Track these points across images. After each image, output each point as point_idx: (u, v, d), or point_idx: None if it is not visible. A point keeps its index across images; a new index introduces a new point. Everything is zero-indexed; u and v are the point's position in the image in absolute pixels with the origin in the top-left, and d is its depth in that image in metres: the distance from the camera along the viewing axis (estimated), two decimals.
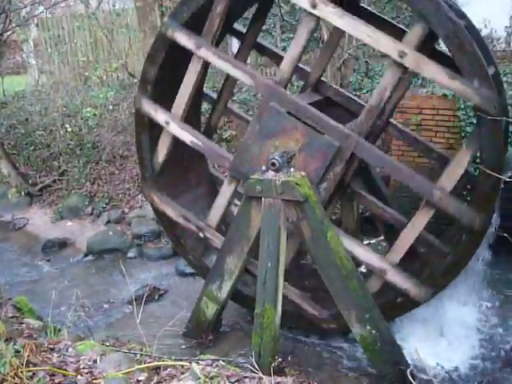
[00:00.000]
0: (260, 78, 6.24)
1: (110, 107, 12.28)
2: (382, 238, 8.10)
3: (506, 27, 10.76)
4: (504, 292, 7.36)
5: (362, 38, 5.59)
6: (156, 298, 8.15)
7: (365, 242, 8.25)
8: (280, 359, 5.99)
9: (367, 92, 10.36)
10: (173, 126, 6.58)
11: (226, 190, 6.63)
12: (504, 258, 7.21)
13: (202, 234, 6.82)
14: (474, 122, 7.53)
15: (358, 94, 10.31)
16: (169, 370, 4.48)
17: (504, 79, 8.54)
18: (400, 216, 6.58)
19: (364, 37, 5.52)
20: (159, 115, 6.66)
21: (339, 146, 5.71)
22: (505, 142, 6.28)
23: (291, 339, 6.88)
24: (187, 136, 6.56)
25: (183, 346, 6.81)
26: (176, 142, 6.76)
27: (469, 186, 6.77)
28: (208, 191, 8.09)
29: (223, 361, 4.71)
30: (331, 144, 5.74)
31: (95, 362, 4.36)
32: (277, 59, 7.44)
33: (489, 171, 4.77)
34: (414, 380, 4.02)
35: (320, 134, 5.80)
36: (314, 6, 5.59)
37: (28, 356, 4.08)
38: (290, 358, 6.39)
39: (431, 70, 5.28)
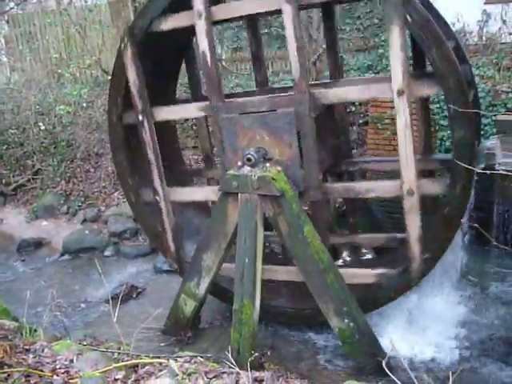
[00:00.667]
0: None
1: (84, 104, 12.14)
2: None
3: (478, 21, 10.87)
4: (479, 282, 7.46)
5: None
6: (134, 296, 8.11)
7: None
8: (259, 354, 6.04)
9: None
10: None
11: None
12: (478, 248, 7.31)
13: None
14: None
15: None
16: (147, 367, 4.46)
17: (476, 72, 8.65)
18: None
19: None
20: None
21: (295, 110, 5.78)
22: (477, 135, 6.38)
23: (270, 334, 6.90)
24: None
25: (162, 344, 6.78)
26: None
27: None
28: None
29: (201, 357, 4.70)
30: (286, 113, 5.82)
31: (72, 361, 4.32)
32: None
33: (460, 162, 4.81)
34: (391, 371, 4.04)
35: (272, 112, 5.89)
36: None
37: (2, 357, 4.03)
38: (269, 353, 6.36)
39: None
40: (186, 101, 7.85)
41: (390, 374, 3.61)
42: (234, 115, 6.11)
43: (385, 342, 5.98)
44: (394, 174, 5.99)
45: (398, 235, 6.63)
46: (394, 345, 6.14)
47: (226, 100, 6.30)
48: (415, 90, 5.46)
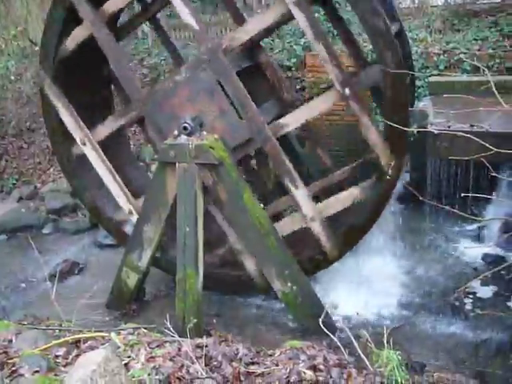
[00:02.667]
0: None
1: (12, 77, 11.59)
2: None
3: None
4: (414, 240, 7.72)
5: None
6: (76, 272, 7.97)
7: None
8: (205, 322, 6.09)
9: (279, 52, 10.34)
10: None
11: None
12: (414, 207, 7.55)
13: None
14: None
15: (270, 54, 10.27)
16: (89, 342, 4.38)
17: (409, 35, 8.77)
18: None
19: None
20: None
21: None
22: (411, 96, 6.52)
23: (216, 301, 6.93)
24: None
25: (107, 319, 6.70)
26: None
27: None
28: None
29: (145, 328, 4.67)
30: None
31: (10, 341, 4.20)
32: None
33: (393, 124, 4.89)
34: (335, 330, 4.18)
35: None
36: None
37: None
38: (215, 320, 6.42)
39: None
40: None
41: (329, 334, 3.71)
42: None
43: (327, 303, 6.14)
44: None
45: None
46: (337, 305, 6.36)
47: None
48: None
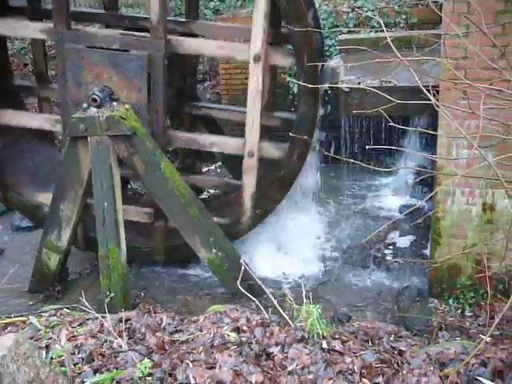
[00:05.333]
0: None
1: None
2: (219, 163, 8.18)
3: None
4: (334, 197, 7.90)
5: None
6: None
7: (204, 169, 8.34)
8: (133, 296, 6.03)
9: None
10: None
11: None
12: (332, 166, 7.71)
13: None
14: None
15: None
16: (9, 328, 4.25)
17: None
18: None
19: None
20: None
21: (149, 54, 5.63)
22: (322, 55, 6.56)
23: (143, 274, 6.85)
24: None
25: (30, 303, 6.49)
26: None
27: None
28: None
29: (68, 308, 4.56)
30: (140, 56, 5.64)
31: None
32: None
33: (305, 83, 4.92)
34: (262, 292, 4.21)
35: (125, 52, 5.69)
36: None
37: None
38: (143, 294, 6.38)
39: None
40: None
41: (250, 296, 3.75)
42: (81, 47, 5.74)
43: (254, 266, 6.21)
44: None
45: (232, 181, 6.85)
46: (263, 267, 6.45)
47: (73, 28, 5.88)
48: (271, 58, 5.60)
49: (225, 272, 6.04)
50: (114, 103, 5.61)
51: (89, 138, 5.55)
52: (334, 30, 8.33)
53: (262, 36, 5.46)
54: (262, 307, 3.62)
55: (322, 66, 6.14)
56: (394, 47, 3.07)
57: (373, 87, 3.94)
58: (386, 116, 3.08)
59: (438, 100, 4.03)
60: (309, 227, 7.19)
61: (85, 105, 5.57)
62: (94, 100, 5.50)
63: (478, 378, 2.80)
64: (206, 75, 9.84)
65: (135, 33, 5.92)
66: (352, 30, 8.20)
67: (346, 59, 6.76)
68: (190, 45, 5.79)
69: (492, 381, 2.79)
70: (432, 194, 2.77)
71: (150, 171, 5.68)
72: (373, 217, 7.30)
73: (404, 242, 6.85)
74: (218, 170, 8.80)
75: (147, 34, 5.77)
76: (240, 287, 3.63)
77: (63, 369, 3.03)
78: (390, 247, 6.78)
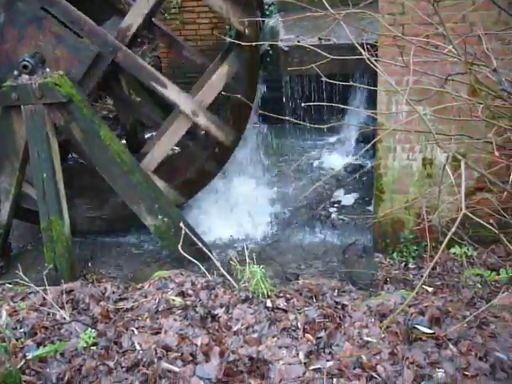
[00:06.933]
0: None
1: None
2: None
3: None
4: (279, 158, 7.92)
5: None
6: None
7: (146, 135, 8.21)
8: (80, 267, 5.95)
9: None
10: None
11: None
12: (274, 127, 7.68)
13: None
14: None
15: None
16: None
17: None
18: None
19: None
20: None
21: (99, 52, 5.44)
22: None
23: (90, 245, 6.74)
24: None
25: None
26: None
27: None
28: None
29: (9, 283, 4.45)
30: (89, 49, 5.44)
31: None
32: None
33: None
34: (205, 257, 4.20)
35: (77, 37, 5.42)
36: None
37: None
38: (90, 264, 6.29)
39: None
40: None
41: (194, 260, 3.73)
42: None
43: (200, 229, 6.20)
44: None
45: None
46: (210, 229, 6.44)
47: None
48: None
49: (171, 238, 5.98)
50: (47, 69, 5.38)
51: (22, 106, 5.34)
52: None
53: None
54: (205, 271, 3.61)
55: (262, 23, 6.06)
56: (326, 3, 3.04)
57: (312, 45, 3.89)
58: (322, 74, 3.06)
59: (377, 56, 4.05)
60: (254, 189, 7.19)
61: (15, 72, 5.32)
62: (25, 67, 5.26)
63: (416, 326, 2.89)
64: (145, 38, 9.57)
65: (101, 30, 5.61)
66: None
67: (285, 18, 6.70)
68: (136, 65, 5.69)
69: (429, 328, 2.89)
70: (365, 148, 2.78)
71: (88, 139, 5.53)
72: (318, 177, 7.35)
73: (349, 199, 6.94)
74: None
75: None
76: (182, 252, 3.60)
77: (4, 344, 2.96)
78: (336, 205, 6.86)
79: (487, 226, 2.42)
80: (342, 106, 3.68)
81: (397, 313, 2.70)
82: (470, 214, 2.12)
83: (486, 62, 3.17)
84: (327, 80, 3.10)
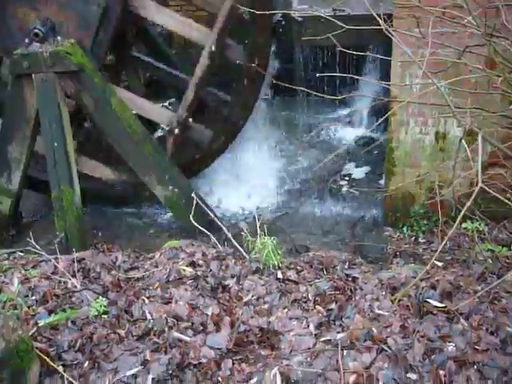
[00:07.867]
0: None
1: None
2: (173, 99, 7.97)
3: None
4: (290, 130, 7.86)
5: None
6: None
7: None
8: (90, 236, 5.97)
9: None
10: None
11: None
12: (285, 99, 7.61)
13: None
14: None
15: None
16: None
17: None
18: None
19: None
20: None
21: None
22: None
23: (101, 214, 6.76)
24: None
25: None
26: None
27: None
28: None
29: (21, 251, 4.48)
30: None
31: None
32: None
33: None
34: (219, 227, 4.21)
35: None
36: None
37: None
38: (100, 234, 6.32)
39: None
40: None
41: (206, 231, 3.73)
42: None
43: (211, 201, 6.20)
44: None
45: None
46: (220, 201, 6.44)
47: None
48: None
49: (182, 208, 5.98)
50: (59, 38, 5.33)
51: (33, 75, 5.31)
52: None
53: None
54: (216, 241, 3.62)
55: None
56: None
57: (326, 15, 3.82)
58: (338, 44, 3.01)
59: (392, 27, 3.97)
60: (264, 160, 7.15)
61: (27, 40, 5.28)
62: (36, 35, 5.22)
63: (427, 300, 2.88)
64: None
65: None
66: None
67: None
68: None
69: (441, 302, 2.88)
70: (378, 122, 2.74)
71: (99, 108, 5.50)
72: (329, 149, 7.29)
73: (359, 173, 6.91)
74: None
75: None
76: (194, 222, 3.60)
77: (16, 311, 2.99)
78: (346, 178, 6.84)
79: (503, 200, 2.40)
80: (356, 77, 3.63)
81: (409, 286, 2.69)
82: (486, 189, 2.10)
83: (505, 34, 3.10)
84: (343, 49, 3.04)
